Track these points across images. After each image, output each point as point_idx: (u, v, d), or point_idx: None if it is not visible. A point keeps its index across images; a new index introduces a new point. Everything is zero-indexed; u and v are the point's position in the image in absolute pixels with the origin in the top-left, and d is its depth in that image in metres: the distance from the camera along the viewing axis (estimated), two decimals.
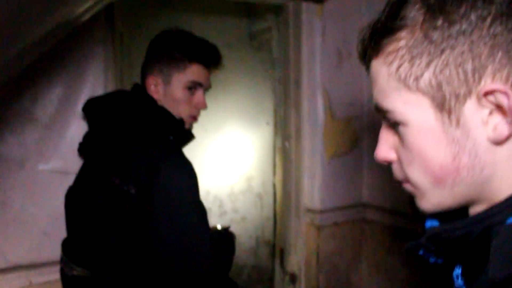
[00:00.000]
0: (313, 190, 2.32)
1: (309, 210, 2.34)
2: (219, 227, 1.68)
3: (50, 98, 1.62)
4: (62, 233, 1.55)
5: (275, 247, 2.77)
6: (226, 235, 1.60)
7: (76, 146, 1.56)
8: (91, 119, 1.51)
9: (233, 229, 1.72)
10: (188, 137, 1.51)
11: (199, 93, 1.49)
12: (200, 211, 1.34)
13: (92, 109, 1.49)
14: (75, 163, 1.59)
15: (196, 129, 1.57)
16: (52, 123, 1.64)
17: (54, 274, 1.62)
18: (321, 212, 2.31)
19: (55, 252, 1.57)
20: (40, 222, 1.67)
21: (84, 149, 1.53)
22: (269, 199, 3.91)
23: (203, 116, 1.57)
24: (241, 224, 3.91)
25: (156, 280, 1.33)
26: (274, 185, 3.05)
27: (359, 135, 2.41)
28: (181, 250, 1.28)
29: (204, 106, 1.51)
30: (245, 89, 3.72)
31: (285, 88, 2.41)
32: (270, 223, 3.98)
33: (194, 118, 1.54)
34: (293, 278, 2.42)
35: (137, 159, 1.32)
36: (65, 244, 1.52)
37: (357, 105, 2.39)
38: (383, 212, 2.36)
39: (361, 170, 2.44)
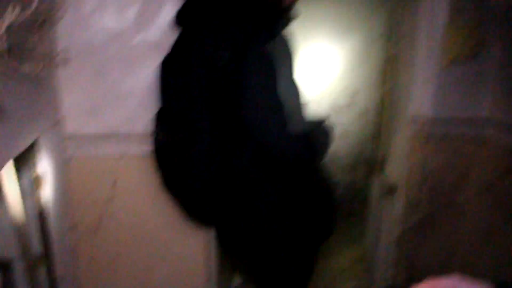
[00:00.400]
0: (425, 97, 2.11)
1: (419, 117, 2.14)
2: (316, 118, 1.58)
3: None
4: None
5: (376, 160, 2.63)
6: (321, 125, 1.50)
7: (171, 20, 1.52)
8: None
9: (333, 144, 1.60)
10: (285, 17, 1.39)
11: None
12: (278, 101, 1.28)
13: None
14: (171, 37, 1.55)
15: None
16: None
17: (149, 145, 1.65)
18: (432, 120, 2.11)
19: (150, 123, 1.58)
20: (136, 94, 1.68)
21: (179, 21, 1.49)
22: (373, 116, 3.73)
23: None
24: (341, 140, 3.79)
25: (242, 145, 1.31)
26: (382, 98, 2.85)
27: (488, 39, 2.11)
28: (270, 124, 1.25)
29: None
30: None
31: None
32: (372, 141, 3.82)
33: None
34: (392, 189, 2.29)
35: (232, 30, 1.27)
36: (159, 114, 1.53)
37: (488, 4, 2.07)
38: (504, 129, 2.10)
39: (485, 79, 2.16)
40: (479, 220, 2.22)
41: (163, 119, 1.50)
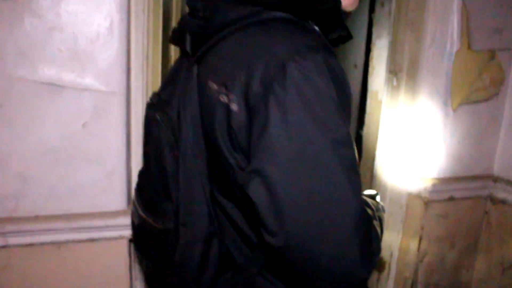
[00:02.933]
0: (426, 149, 1.62)
1: (418, 177, 1.65)
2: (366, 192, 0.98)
3: None
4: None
5: None
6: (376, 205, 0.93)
7: None
8: None
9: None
10: (343, 31, 0.82)
11: None
12: (349, 146, 0.69)
13: None
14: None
15: None
16: None
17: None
18: (434, 180, 1.62)
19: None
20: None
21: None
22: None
23: None
24: None
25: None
26: (361, 139, 2.31)
27: (505, 76, 1.65)
28: (309, 209, 0.65)
29: None
30: None
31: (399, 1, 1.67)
32: None
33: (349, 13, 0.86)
34: (380, 265, 1.78)
35: (250, 59, 0.69)
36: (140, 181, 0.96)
37: (507, 31, 1.62)
38: None
39: (497, 127, 1.69)
40: None
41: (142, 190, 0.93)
